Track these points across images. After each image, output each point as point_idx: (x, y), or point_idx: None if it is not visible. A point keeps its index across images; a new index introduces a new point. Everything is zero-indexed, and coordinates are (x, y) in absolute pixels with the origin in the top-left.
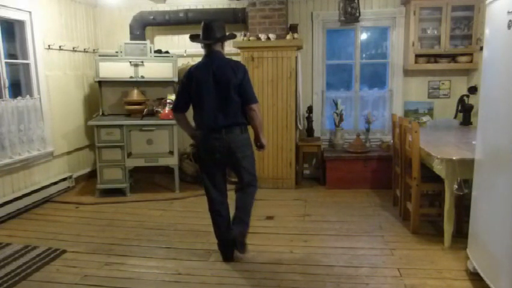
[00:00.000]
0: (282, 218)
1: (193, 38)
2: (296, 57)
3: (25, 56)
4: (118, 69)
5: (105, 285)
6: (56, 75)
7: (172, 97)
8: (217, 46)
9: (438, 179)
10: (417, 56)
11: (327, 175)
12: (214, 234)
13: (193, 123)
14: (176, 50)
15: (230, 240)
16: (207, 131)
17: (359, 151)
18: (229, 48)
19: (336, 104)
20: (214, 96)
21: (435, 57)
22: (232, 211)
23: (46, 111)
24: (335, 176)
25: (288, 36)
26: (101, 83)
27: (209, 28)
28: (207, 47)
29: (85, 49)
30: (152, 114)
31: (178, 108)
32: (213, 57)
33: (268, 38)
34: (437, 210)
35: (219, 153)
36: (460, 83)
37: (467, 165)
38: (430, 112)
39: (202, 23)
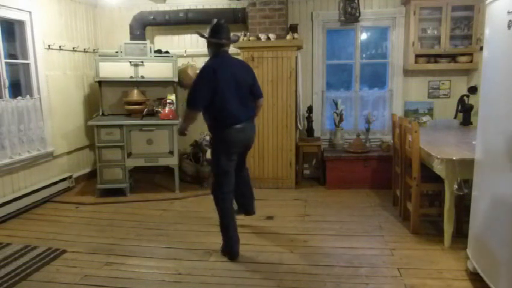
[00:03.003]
0: (282, 218)
1: (215, 36)
2: (296, 57)
3: (25, 56)
4: (118, 69)
5: (105, 285)
6: (56, 75)
7: (172, 97)
8: (227, 46)
9: (438, 179)
10: (417, 56)
11: (327, 175)
12: (225, 234)
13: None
14: (176, 50)
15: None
16: (232, 125)
17: (359, 151)
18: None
19: (336, 104)
20: (235, 93)
21: (435, 57)
22: None
23: (46, 111)
24: (335, 176)
25: (288, 36)
26: (101, 83)
27: (225, 28)
28: (220, 46)
29: (85, 49)
30: (152, 114)
31: (200, 105)
32: (226, 56)
33: (268, 38)
34: (437, 210)
35: (242, 143)
36: (460, 83)
37: (467, 165)
38: (430, 112)
39: (218, 22)
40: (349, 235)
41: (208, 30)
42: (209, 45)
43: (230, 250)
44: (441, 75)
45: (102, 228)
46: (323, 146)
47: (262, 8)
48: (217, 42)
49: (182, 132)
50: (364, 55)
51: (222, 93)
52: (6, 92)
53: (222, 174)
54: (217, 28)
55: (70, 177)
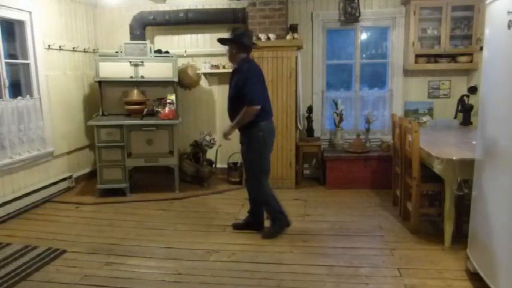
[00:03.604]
0: None
1: (249, 41)
2: (296, 57)
3: (25, 56)
4: (118, 69)
5: (105, 285)
6: (56, 75)
7: (172, 97)
8: None
9: (438, 179)
10: (417, 56)
11: (327, 175)
12: (275, 209)
13: None
14: (176, 50)
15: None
16: (270, 118)
17: (359, 151)
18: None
19: (336, 104)
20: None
21: (435, 57)
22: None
23: (46, 111)
24: (335, 176)
25: (288, 36)
26: (101, 83)
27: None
28: (250, 51)
29: (85, 49)
30: (152, 114)
31: (261, 100)
32: (252, 60)
33: (268, 38)
34: (437, 210)
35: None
36: (460, 83)
37: (467, 165)
38: (430, 112)
39: (246, 29)
40: (349, 235)
41: (235, 35)
42: (240, 49)
43: (285, 224)
44: (441, 75)
45: (102, 228)
46: (323, 146)
47: (262, 8)
48: (251, 47)
49: (230, 133)
50: (364, 55)
51: (265, 90)
52: (6, 92)
53: (266, 165)
54: (249, 34)
55: (70, 177)
